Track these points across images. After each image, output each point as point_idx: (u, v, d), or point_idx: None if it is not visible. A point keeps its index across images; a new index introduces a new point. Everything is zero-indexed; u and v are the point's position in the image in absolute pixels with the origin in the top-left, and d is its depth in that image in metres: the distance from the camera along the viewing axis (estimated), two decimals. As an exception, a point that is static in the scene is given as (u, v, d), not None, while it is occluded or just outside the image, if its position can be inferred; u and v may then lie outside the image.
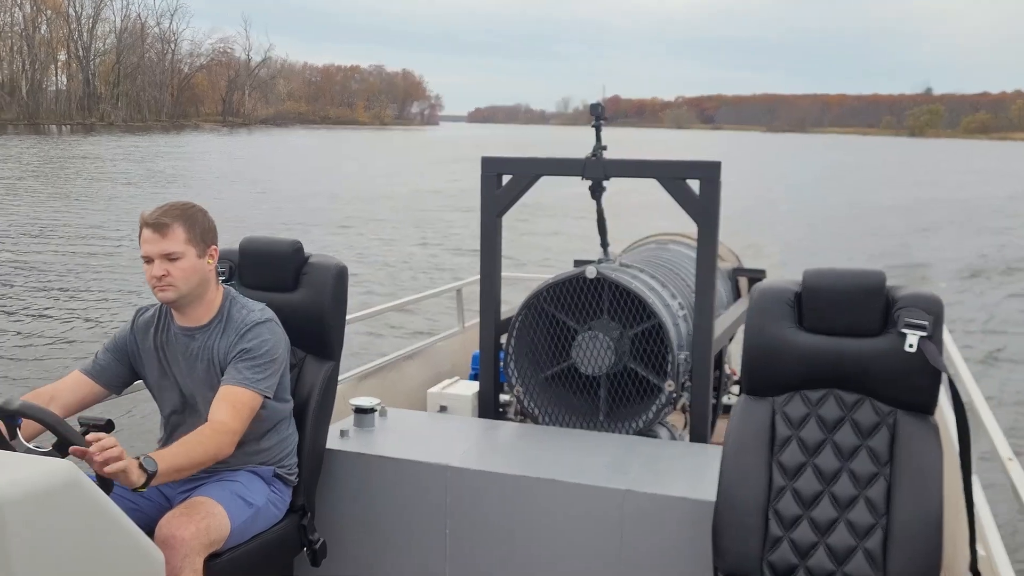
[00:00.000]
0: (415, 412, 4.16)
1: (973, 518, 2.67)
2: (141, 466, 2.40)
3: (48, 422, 2.45)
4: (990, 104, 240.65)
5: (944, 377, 2.68)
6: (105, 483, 2.33)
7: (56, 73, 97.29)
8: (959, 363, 4.23)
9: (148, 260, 2.86)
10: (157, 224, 2.83)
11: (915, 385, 2.70)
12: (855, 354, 2.74)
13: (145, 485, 2.41)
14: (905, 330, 2.67)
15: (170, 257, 2.83)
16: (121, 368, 3.02)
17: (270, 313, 3.00)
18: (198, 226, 2.90)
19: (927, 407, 2.73)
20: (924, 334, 2.65)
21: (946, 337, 3.60)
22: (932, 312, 2.69)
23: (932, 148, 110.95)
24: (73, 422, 2.55)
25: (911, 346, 2.65)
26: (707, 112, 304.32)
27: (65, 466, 2.04)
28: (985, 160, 77.97)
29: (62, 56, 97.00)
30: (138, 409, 7.43)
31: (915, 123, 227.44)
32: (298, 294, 3.27)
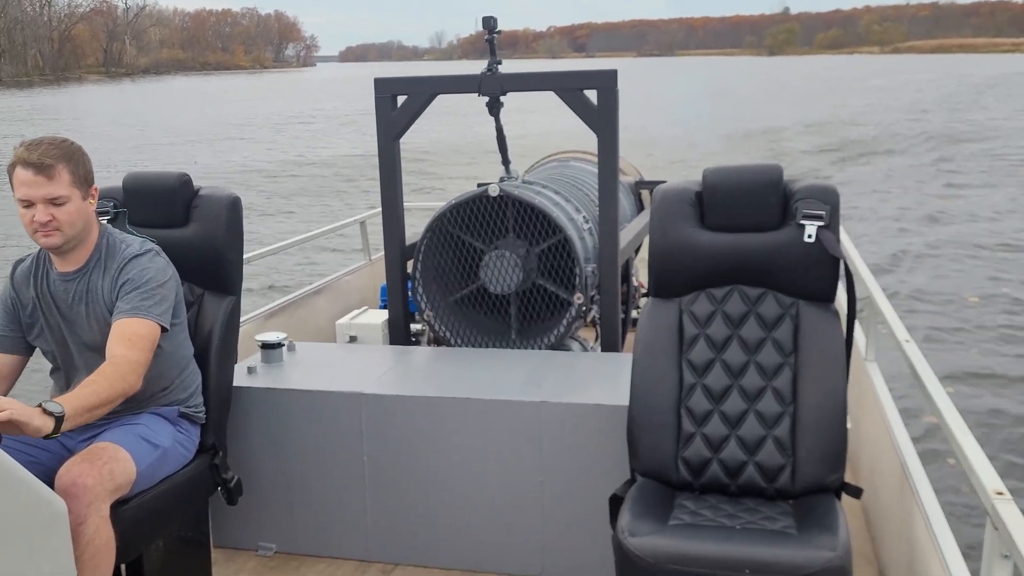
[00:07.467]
0: (324, 344, 4.10)
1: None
2: (45, 411, 2.21)
3: None
4: (841, 20, 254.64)
5: (840, 263, 2.77)
6: None
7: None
8: (853, 254, 4.34)
9: (28, 204, 2.58)
10: (41, 165, 2.54)
11: (815, 274, 2.73)
12: (757, 249, 2.77)
13: (57, 430, 2.23)
14: (803, 221, 2.72)
15: (55, 202, 2.58)
16: (19, 329, 2.81)
17: (151, 244, 2.81)
18: (81, 166, 2.65)
19: (828, 295, 2.76)
20: (822, 223, 2.71)
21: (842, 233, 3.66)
22: (829, 202, 2.74)
23: (788, 66, 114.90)
24: None
25: (810, 236, 2.70)
26: (579, 40, 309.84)
27: None
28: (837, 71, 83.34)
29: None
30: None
31: (773, 42, 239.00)
32: (189, 229, 3.10)
